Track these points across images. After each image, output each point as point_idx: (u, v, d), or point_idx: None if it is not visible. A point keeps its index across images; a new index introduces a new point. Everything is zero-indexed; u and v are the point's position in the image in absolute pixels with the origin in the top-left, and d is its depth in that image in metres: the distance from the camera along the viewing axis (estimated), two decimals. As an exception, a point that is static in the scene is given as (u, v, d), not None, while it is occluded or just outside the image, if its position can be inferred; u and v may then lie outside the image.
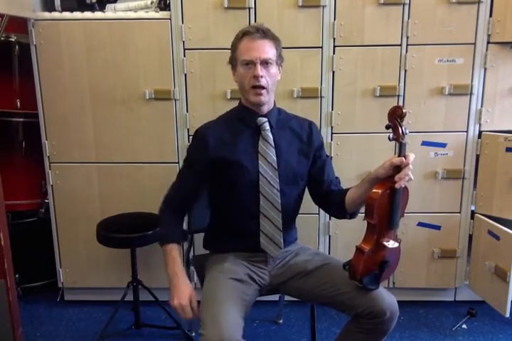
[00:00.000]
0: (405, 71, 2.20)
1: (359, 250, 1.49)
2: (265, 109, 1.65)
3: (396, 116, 1.42)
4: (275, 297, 2.21)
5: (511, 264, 2.01)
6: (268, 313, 2.36)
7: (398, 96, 2.21)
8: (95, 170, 2.32)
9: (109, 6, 2.29)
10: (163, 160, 2.31)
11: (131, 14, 2.19)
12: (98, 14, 2.21)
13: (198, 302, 1.52)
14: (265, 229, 1.64)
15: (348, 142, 2.28)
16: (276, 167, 1.62)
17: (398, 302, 1.54)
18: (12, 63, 2.37)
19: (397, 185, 1.40)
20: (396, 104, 1.41)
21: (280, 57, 1.62)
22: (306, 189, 1.75)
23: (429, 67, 2.19)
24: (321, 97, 2.23)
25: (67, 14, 2.20)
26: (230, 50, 1.65)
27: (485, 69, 2.19)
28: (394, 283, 2.41)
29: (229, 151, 1.62)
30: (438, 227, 2.35)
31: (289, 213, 1.69)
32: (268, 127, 1.64)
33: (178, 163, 2.30)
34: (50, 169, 2.33)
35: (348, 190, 1.63)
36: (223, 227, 1.72)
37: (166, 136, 2.28)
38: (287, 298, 2.23)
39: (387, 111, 1.44)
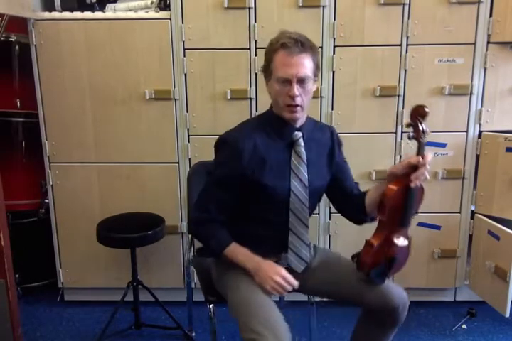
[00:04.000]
0: (405, 71, 2.20)
1: (368, 244, 1.51)
2: (299, 121, 1.57)
3: (417, 115, 1.43)
4: (275, 297, 2.19)
5: (511, 264, 2.01)
6: (268, 313, 2.36)
7: (398, 96, 2.21)
8: (95, 170, 2.32)
9: (109, 6, 2.29)
10: (163, 160, 2.31)
11: (131, 14, 2.19)
12: (98, 14, 2.21)
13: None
14: (292, 245, 1.59)
15: (348, 142, 2.26)
16: (307, 185, 1.56)
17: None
18: (12, 63, 2.37)
19: (412, 184, 1.41)
20: (418, 104, 1.43)
21: (317, 69, 1.52)
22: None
23: (429, 67, 2.19)
24: (321, 97, 2.23)
25: (67, 14, 2.20)
26: (265, 58, 1.52)
27: (485, 69, 2.19)
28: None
29: (262, 168, 1.52)
30: (438, 227, 2.35)
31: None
32: (303, 143, 1.56)
33: (178, 163, 2.31)
34: (50, 169, 2.33)
35: (366, 192, 1.60)
36: (246, 237, 1.59)
37: (166, 136, 2.28)
38: (287, 298, 2.23)
39: (410, 111, 1.45)
